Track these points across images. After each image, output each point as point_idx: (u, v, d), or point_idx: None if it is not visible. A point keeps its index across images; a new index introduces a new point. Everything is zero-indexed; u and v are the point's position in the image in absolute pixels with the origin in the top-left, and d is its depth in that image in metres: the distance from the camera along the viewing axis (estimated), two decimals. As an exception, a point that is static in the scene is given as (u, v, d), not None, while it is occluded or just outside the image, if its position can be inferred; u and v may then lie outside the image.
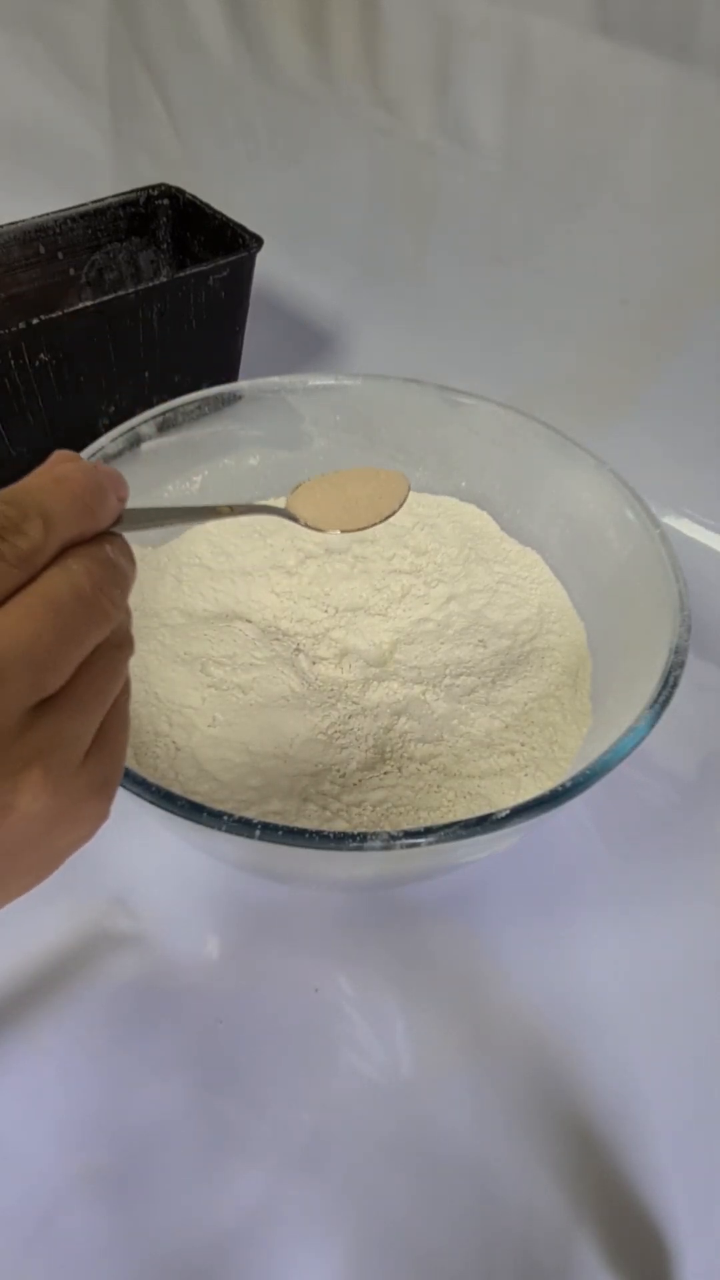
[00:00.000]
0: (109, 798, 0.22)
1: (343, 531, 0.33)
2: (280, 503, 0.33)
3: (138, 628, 0.43)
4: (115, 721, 0.23)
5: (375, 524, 0.34)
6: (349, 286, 0.73)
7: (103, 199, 0.61)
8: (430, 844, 0.29)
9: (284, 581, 0.47)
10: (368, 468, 0.35)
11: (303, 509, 0.33)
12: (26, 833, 0.20)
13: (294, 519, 0.33)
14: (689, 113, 0.49)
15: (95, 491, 0.22)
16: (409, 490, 0.35)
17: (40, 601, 0.20)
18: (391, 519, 0.50)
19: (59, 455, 0.23)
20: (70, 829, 0.21)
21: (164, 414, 0.45)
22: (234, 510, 0.27)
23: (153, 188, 0.62)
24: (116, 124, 0.80)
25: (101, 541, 0.22)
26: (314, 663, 0.43)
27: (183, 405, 0.46)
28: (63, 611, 0.20)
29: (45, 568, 0.20)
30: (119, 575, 0.22)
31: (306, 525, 0.33)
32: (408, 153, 0.62)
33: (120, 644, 0.22)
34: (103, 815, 0.22)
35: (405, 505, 0.51)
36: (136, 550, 0.49)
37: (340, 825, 0.37)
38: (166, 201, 0.62)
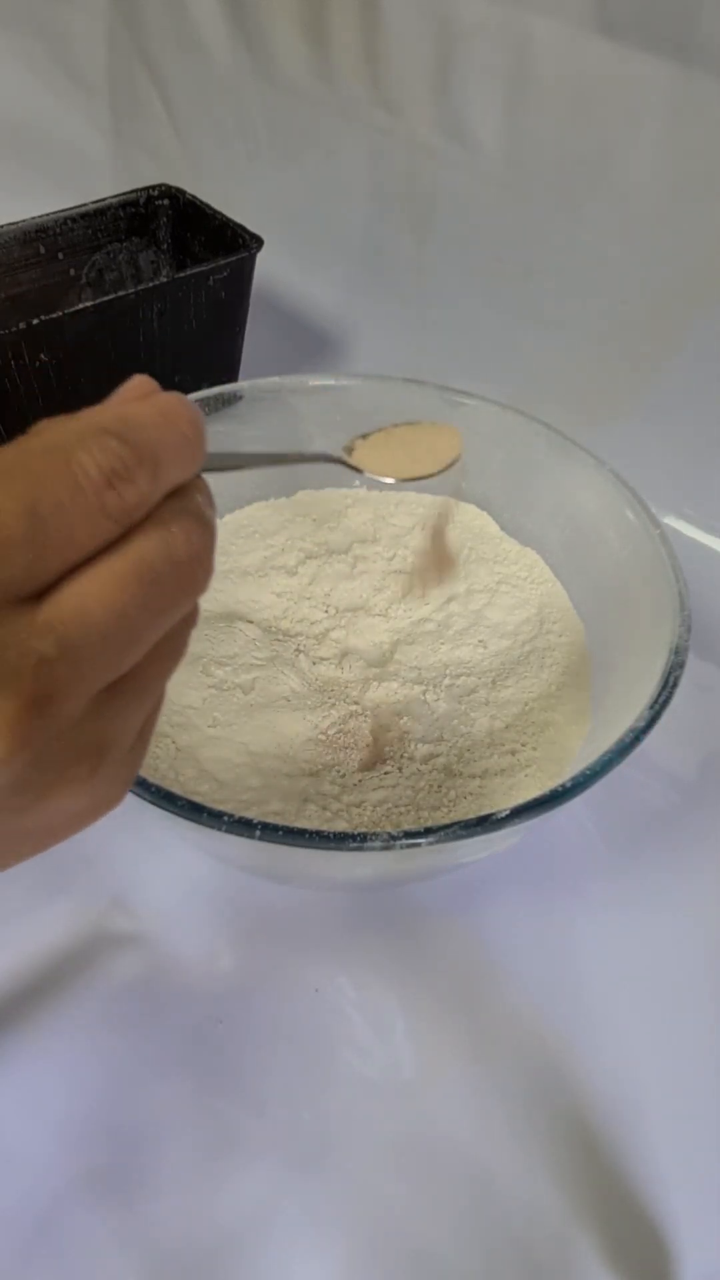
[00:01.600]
0: (128, 788, 0.20)
1: (403, 480, 0.33)
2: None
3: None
4: (158, 707, 0.20)
5: (445, 469, 0.33)
6: (349, 286, 0.73)
7: (103, 199, 0.61)
8: (430, 844, 0.29)
9: (284, 581, 0.47)
10: (420, 422, 0.35)
11: (368, 462, 0.33)
12: (46, 824, 0.18)
13: (358, 470, 0.32)
14: (689, 113, 0.49)
15: (199, 433, 0.18)
16: (461, 441, 0.34)
17: (133, 569, 0.16)
18: (392, 522, 0.51)
19: (143, 382, 0.19)
20: (84, 822, 0.19)
21: (164, 414, 0.45)
22: (302, 458, 0.28)
23: (153, 188, 0.62)
24: (116, 124, 0.80)
25: (191, 491, 0.18)
26: (315, 663, 0.43)
27: (183, 405, 0.46)
28: (156, 583, 0.17)
29: (139, 523, 0.17)
30: (211, 536, 0.19)
31: (372, 475, 0.32)
32: (408, 153, 0.62)
33: (190, 617, 0.19)
34: (114, 806, 0.19)
35: (405, 506, 0.52)
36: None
37: (340, 825, 0.37)
38: (166, 201, 0.62)
